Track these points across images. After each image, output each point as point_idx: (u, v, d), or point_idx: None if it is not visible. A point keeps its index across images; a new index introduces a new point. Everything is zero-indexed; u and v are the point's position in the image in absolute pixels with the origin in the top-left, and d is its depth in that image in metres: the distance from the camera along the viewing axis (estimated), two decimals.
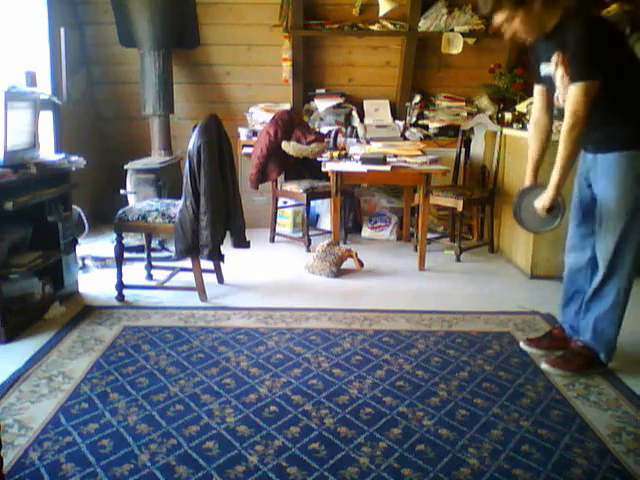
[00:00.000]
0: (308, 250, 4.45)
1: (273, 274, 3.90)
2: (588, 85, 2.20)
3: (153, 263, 3.78)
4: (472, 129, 4.74)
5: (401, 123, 5.16)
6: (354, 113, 5.21)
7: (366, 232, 5.01)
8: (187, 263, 3.40)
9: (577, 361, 2.51)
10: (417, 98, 5.27)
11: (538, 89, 2.55)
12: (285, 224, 5.02)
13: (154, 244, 4.20)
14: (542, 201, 2.42)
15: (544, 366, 2.53)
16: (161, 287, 3.58)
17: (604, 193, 2.37)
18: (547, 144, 2.59)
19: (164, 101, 4.79)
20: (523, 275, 3.90)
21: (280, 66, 5.07)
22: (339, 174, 3.93)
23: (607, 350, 2.50)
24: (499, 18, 2.33)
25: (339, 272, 3.88)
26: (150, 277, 3.74)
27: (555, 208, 2.44)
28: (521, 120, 4.22)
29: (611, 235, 2.37)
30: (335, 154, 4.17)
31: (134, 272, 3.75)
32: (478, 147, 4.77)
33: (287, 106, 5.08)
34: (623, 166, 2.30)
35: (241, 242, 3.48)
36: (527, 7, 2.27)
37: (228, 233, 3.40)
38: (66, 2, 4.68)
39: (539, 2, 2.26)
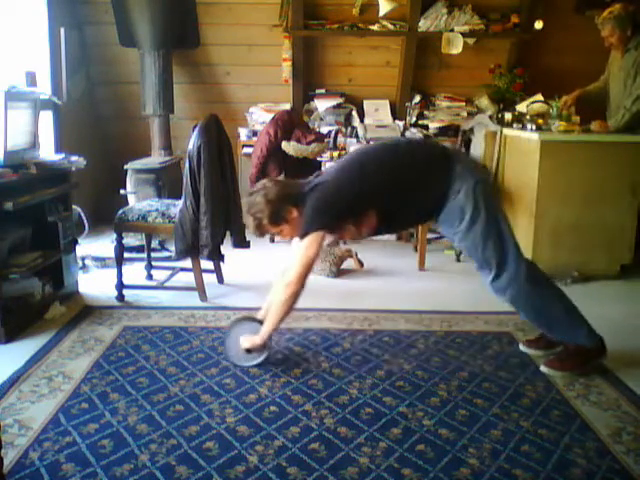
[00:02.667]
0: None
1: (273, 274, 3.89)
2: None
3: (153, 263, 3.78)
4: (472, 129, 4.73)
5: (401, 123, 5.16)
6: (354, 113, 5.21)
7: None
8: (187, 263, 3.40)
9: (572, 360, 2.50)
10: (417, 98, 5.27)
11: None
12: None
13: (154, 244, 4.20)
14: (247, 342, 2.51)
15: (543, 368, 2.53)
16: (161, 287, 3.58)
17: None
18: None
19: (164, 101, 4.79)
20: None
21: (280, 66, 5.08)
22: None
23: (578, 334, 2.47)
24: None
25: (339, 272, 3.88)
26: (150, 277, 3.74)
27: (258, 350, 2.52)
28: (521, 120, 4.22)
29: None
30: (335, 154, 4.17)
31: (134, 272, 3.75)
32: (478, 147, 4.76)
33: (287, 106, 5.08)
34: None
35: (241, 242, 3.48)
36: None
37: (228, 233, 3.40)
38: (66, 2, 4.68)
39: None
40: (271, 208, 2.43)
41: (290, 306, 2.42)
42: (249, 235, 3.48)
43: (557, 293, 2.49)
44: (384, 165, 2.45)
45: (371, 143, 2.48)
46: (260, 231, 2.53)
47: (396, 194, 2.42)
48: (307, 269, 2.38)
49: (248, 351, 2.52)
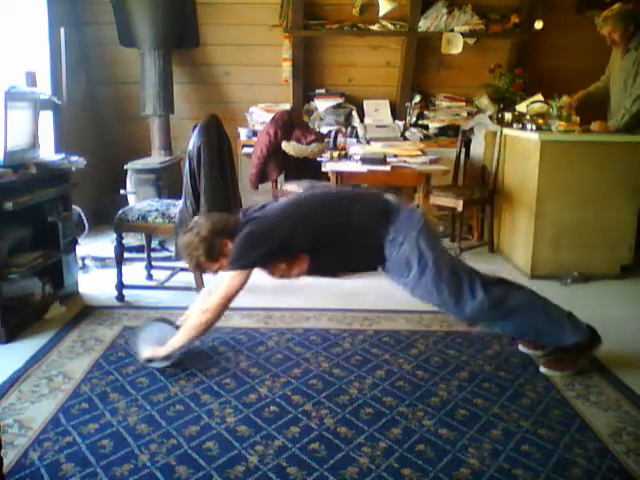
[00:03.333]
0: None
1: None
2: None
3: (153, 263, 3.78)
4: (472, 129, 4.73)
5: (401, 123, 5.16)
6: (354, 113, 5.21)
7: None
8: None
9: (569, 358, 2.50)
10: (417, 98, 5.27)
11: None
12: None
13: (154, 244, 4.19)
14: (149, 352, 2.48)
15: (542, 369, 2.53)
16: (161, 287, 3.58)
17: None
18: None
19: (164, 101, 4.79)
20: (523, 275, 3.90)
21: (280, 66, 5.08)
22: (339, 174, 3.93)
23: (565, 336, 2.45)
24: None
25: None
26: (150, 277, 3.74)
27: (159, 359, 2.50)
28: (521, 120, 4.22)
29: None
30: (335, 154, 4.17)
31: (134, 272, 3.75)
32: (478, 147, 4.77)
33: (287, 106, 5.08)
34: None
35: None
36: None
37: None
38: (66, 2, 4.68)
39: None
40: (205, 245, 2.40)
41: (201, 332, 2.43)
42: None
43: (529, 305, 2.45)
44: (321, 215, 2.46)
45: (317, 190, 2.51)
46: (200, 269, 2.52)
47: (328, 244, 2.43)
48: (228, 301, 2.39)
49: (149, 360, 2.49)
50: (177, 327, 2.53)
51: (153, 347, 2.49)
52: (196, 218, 2.59)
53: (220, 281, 2.42)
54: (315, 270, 2.50)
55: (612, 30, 3.90)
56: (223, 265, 2.47)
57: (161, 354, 2.47)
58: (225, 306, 2.40)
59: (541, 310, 2.46)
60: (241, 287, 2.40)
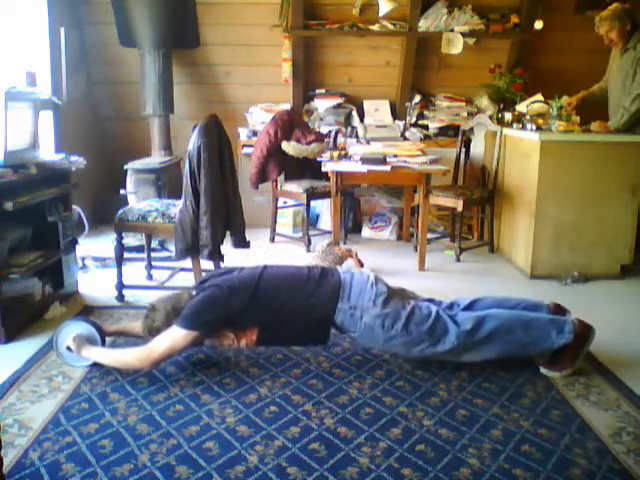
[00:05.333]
0: (308, 250, 4.45)
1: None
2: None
3: (153, 263, 3.78)
4: (472, 129, 4.74)
5: (401, 123, 5.16)
6: (354, 113, 5.21)
7: (366, 232, 5.01)
8: (187, 263, 3.40)
9: (567, 357, 2.48)
10: (417, 98, 5.28)
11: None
12: (285, 224, 5.01)
13: (154, 244, 4.19)
14: (76, 346, 2.45)
15: (542, 370, 2.52)
16: (161, 287, 3.57)
17: None
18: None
19: (164, 101, 4.80)
20: (523, 275, 3.90)
21: (280, 66, 5.08)
22: (339, 174, 3.93)
23: (553, 341, 2.43)
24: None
25: None
26: (150, 277, 3.74)
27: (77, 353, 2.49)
28: (521, 120, 4.22)
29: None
30: (335, 154, 4.17)
31: (134, 272, 3.75)
32: (478, 147, 4.77)
33: (287, 106, 5.08)
34: None
35: (241, 242, 3.47)
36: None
37: (228, 233, 3.40)
38: (66, 2, 4.68)
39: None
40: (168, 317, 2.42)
41: (125, 369, 2.43)
42: (249, 235, 3.50)
43: (505, 325, 2.42)
44: (278, 293, 2.45)
45: (278, 272, 2.54)
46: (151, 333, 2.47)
47: (280, 320, 2.43)
48: (165, 357, 2.37)
49: (69, 348, 2.48)
50: (100, 330, 2.53)
51: (81, 342, 2.46)
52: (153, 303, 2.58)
53: (162, 335, 2.37)
54: (263, 342, 2.51)
55: (609, 29, 3.91)
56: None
57: (83, 355, 2.45)
58: (161, 362, 2.39)
59: (518, 325, 2.43)
60: (181, 349, 2.40)
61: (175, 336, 2.34)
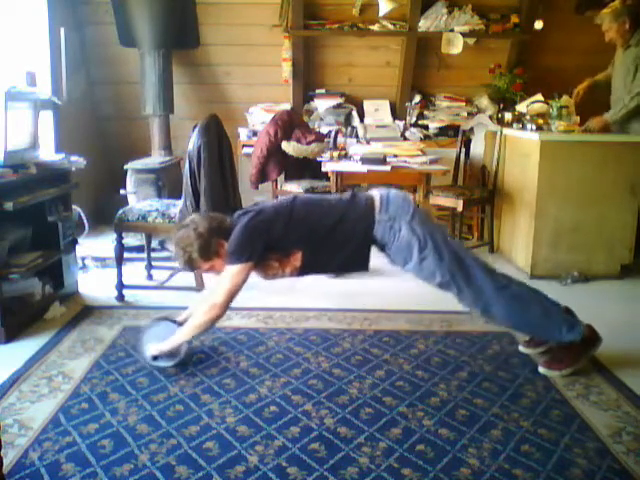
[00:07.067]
0: None
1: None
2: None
3: (153, 263, 3.78)
4: (472, 129, 4.74)
5: (401, 123, 5.16)
6: (354, 113, 5.21)
7: None
8: None
9: (567, 357, 2.49)
10: (417, 98, 5.28)
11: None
12: None
13: (154, 244, 4.19)
14: (154, 350, 2.48)
15: (541, 369, 2.52)
16: (161, 287, 3.58)
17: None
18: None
19: (164, 101, 4.79)
20: (523, 275, 3.89)
21: (280, 66, 5.08)
22: (339, 174, 3.93)
23: (562, 333, 2.44)
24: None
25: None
26: (150, 277, 3.74)
27: (166, 356, 2.50)
28: (521, 120, 4.22)
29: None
30: (335, 154, 4.17)
31: (134, 272, 3.75)
32: (478, 147, 4.77)
33: (287, 106, 5.08)
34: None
35: None
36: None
37: None
38: (66, 2, 4.68)
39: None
40: (201, 242, 2.40)
41: (206, 329, 2.47)
42: None
43: (528, 298, 2.46)
44: (312, 214, 2.48)
45: (309, 196, 2.54)
46: (190, 266, 2.50)
47: (320, 241, 2.44)
48: (232, 297, 2.40)
49: (155, 358, 2.49)
50: (179, 324, 2.54)
51: (157, 346, 2.49)
52: (193, 215, 2.59)
53: (219, 281, 2.42)
54: (307, 268, 2.51)
55: (608, 27, 3.94)
56: (214, 266, 2.47)
57: (165, 349, 2.46)
58: (230, 302, 2.41)
59: (539, 303, 2.47)
60: (242, 284, 2.41)
61: (233, 274, 2.37)
